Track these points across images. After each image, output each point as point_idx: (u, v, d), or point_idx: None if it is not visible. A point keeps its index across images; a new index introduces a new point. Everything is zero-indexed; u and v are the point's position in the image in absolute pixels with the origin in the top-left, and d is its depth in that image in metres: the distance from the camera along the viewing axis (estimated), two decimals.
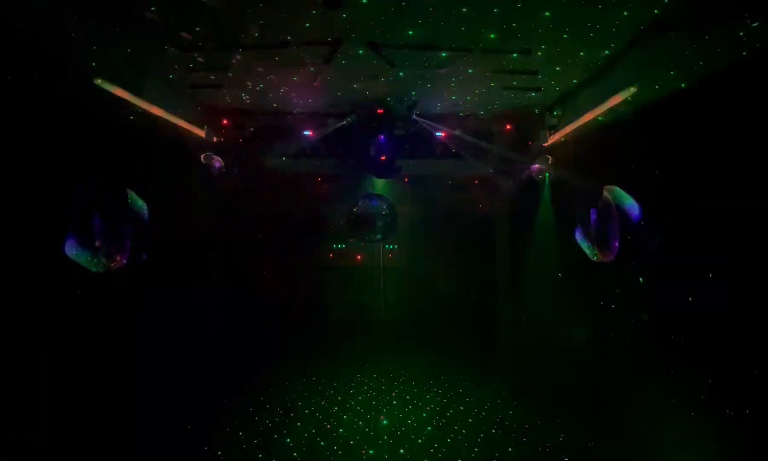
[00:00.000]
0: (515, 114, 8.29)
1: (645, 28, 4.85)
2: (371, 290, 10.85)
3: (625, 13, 4.63)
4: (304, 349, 10.25)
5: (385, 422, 7.01)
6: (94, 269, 5.05)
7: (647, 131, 5.61)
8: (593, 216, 5.80)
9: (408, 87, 7.17)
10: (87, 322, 5.70)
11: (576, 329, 7.52)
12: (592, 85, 6.46)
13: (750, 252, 4.23)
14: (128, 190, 5.47)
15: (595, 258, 5.89)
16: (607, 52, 5.53)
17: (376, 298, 10.59)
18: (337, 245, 11.55)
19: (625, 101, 5.80)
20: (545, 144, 8.30)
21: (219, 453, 5.82)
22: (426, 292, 11.29)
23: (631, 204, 5.18)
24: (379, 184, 10.12)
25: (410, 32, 5.26)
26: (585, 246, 6.08)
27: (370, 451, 5.94)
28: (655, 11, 4.52)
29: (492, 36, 5.30)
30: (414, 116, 8.08)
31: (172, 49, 5.52)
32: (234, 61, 5.94)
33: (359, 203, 8.53)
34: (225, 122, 8.50)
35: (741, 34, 4.21)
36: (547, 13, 4.73)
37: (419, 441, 6.28)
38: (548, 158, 8.45)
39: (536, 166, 8.66)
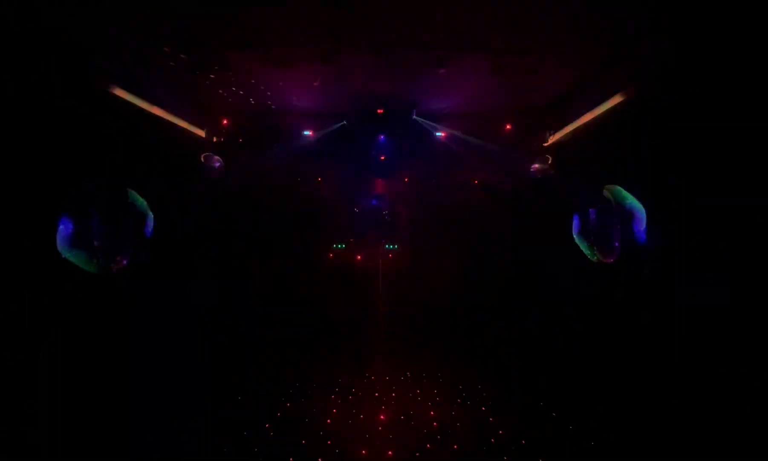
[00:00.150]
0: (515, 114, 8.29)
1: (644, 28, 4.85)
2: (371, 290, 10.83)
3: (625, 13, 4.63)
4: (303, 349, 10.25)
5: (383, 421, 7.01)
6: (93, 271, 5.05)
7: (647, 131, 5.60)
8: (593, 216, 5.80)
9: (408, 87, 7.17)
10: (87, 322, 5.69)
11: (576, 328, 7.52)
12: (592, 86, 6.46)
13: (750, 252, 4.22)
14: (129, 190, 5.48)
15: (595, 259, 5.89)
16: (606, 52, 5.53)
17: (376, 298, 10.58)
18: (337, 245, 11.55)
19: (624, 101, 5.80)
20: (545, 144, 8.29)
21: (218, 453, 5.81)
22: (426, 292, 11.29)
23: (632, 203, 5.18)
24: (379, 184, 10.12)
25: (410, 32, 5.26)
26: (584, 247, 6.08)
27: (370, 451, 5.93)
28: (655, 11, 4.53)
29: (492, 36, 5.30)
30: (414, 116, 8.07)
31: (172, 48, 5.53)
32: (234, 61, 5.95)
33: (359, 203, 8.53)
34: (225, 121, 8.50)
35: (741, 33, 4.21)
36: (547, 13, 4.74)
37: (419, 441, 6.28)
38: (548, 158, 8.44)
39: (536, 166, 8.66)
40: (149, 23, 4.88)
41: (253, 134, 8.67)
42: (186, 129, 7.54)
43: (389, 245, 11.39)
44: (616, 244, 5.33)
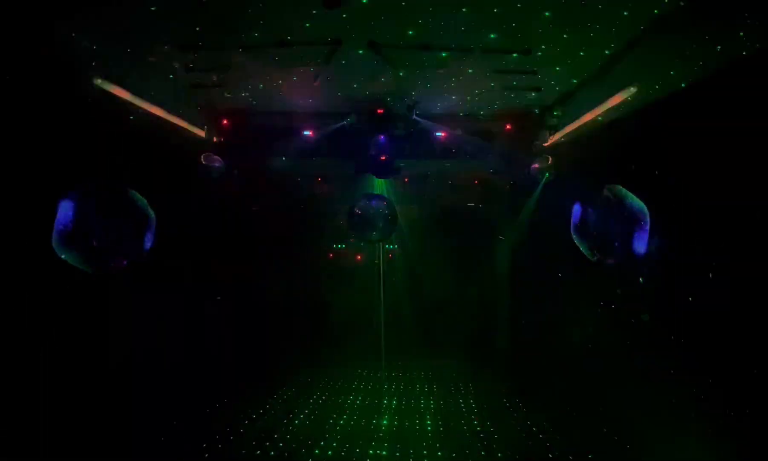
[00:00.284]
0: (515, 114, 8.30)
1: (645, 28, 4.85)
2: (371, 290, 10.84)
3: (625, 13, 4.63)
4: (303, 349, 10.25)
5: (384, 422, 7.00)
6: (92, 271, 5.04)
7: (647, 131, 5.60)
8: (592, 216, 5.79)
9: (408, 87, 7.18)
10: (87, 322, 5.69)
11: (576, 329, 7.51)
12: (592, 85, 6.46)
13: (750, 252, 4.22)
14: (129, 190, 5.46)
15: (594, 259, 5.88)
16: (607, 52, 5.53)
17: (376, 298, 10.58)
18: (337, 245, 11.55)
19: (625, 101, 5.80)
20: (545, 144, 8.30)
21: (218, 453, 5.81)
22: (426, 292, 11.29)
23: (632, 202, 5.17)
24: (379, 184, 10.12)
25: (410, 32, 5.26)
26: (584, 247, 6.07)
27: (370, 451, 5.93)
28: (655, 11, 4.53)
29: (492, 36, 5.30)
30: (414, 116, 8.08)
31: (172, 48, 5.54)
32: (234, 61, 5.95)
33: (359, 203, 8.53)
34: (225, 121, 8.50)
35: (741, 34, 4.21)
36: (547, 13, 4.74)
37: (419, 441, 6.28)
38: (548, 158, 8.45)
39: (536, 166, 8.65)
40: (149, 23, 4.88)
41: (253, 134, 8.67)
42: (186, 129, 7.54)
43: (389, 245, 11.40)
44: (616, 245, 5.32)
